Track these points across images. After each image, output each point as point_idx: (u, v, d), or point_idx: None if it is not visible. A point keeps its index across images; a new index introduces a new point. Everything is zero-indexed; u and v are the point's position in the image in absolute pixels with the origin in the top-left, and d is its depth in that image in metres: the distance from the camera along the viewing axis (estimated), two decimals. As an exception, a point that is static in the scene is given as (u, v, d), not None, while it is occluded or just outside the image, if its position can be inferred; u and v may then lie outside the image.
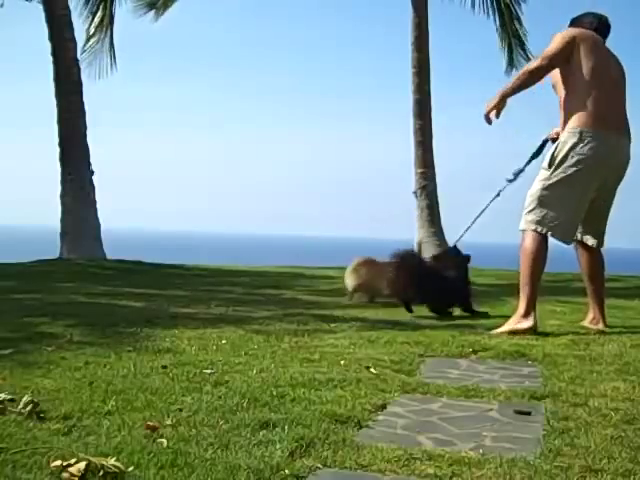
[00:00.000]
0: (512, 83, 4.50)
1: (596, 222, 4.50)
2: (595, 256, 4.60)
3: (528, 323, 4.29)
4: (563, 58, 4.33)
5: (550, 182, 4.30)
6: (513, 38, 12.61)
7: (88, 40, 11.93)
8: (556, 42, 4.35)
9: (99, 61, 12.02)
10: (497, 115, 4.51)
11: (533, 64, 4.45)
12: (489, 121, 4.54)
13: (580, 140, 4.24)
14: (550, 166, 4.31)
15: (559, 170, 4.28)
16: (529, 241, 4.37)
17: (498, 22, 12.58)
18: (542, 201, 4.32)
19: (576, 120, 4.27)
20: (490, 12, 12.55)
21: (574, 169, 4.24)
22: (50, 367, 2.97)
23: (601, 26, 4.59)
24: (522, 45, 12.66)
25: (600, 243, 4.56)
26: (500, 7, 12.51)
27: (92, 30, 11.90)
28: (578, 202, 4.32)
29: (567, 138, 4.28)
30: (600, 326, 4.49)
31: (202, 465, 1.86)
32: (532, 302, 4.39)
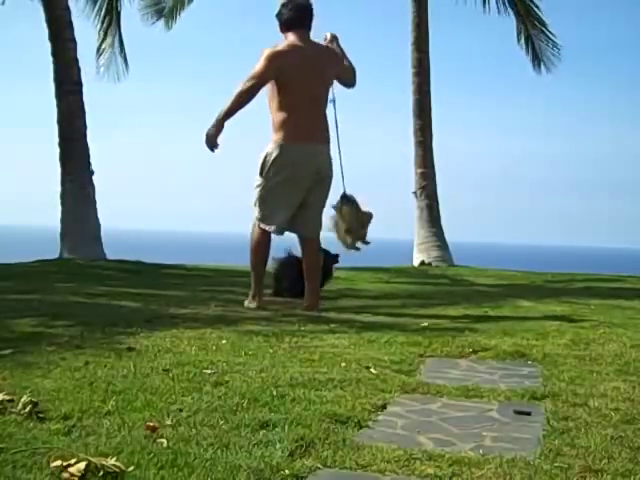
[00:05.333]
0: (227, 107, 4.89)
1: (307, 217, 4.98)
2: (310, 245, 5.08)
3: (254, 304, 5.00)
4: (271, 76, 4.83)
5: (262, 186, 4.94)
6: (533, 30, 12.36)
7: (101, 44, 11.96)
8: (263, 61, 4.82)
9: (114, 64, 12.06)
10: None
11: (246, 85, 4.85)
12: (214, 148, 4.97)
13: (280, 153, 4.84)
14: (260, 174, 4.93)
15: (267, 178, 4.91)
16: (253, 232, 5.05)
17: (514, 16, 12.31)
18: (259, 200, 4.96)
19: (278, 134, 4.86)
20: (503, 8, 12.27)
21: (277, 178, 4.87)
22: (50, 367, 2.97)
23: (296, 15, 4.96)
24: (544, 34, 12.34)
25: (312, 233, 5.04)
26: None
27: (102, 34, 11.92)
28: (283, 202, 4.91)
29: (271, 150, 4.88)
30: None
31: (202, 465, 1.86)
32: (257, 285, 5.06)
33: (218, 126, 4.89)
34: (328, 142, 5.01)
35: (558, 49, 12.32)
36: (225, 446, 2.02)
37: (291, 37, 4.97)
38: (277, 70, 4.83)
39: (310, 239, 5.10)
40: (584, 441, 2.14)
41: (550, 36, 12.30)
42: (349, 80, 5.14)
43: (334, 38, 5.13)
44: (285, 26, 5.00)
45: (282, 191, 4.90)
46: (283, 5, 5.06)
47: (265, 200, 4.96)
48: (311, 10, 5.06)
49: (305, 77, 4.85)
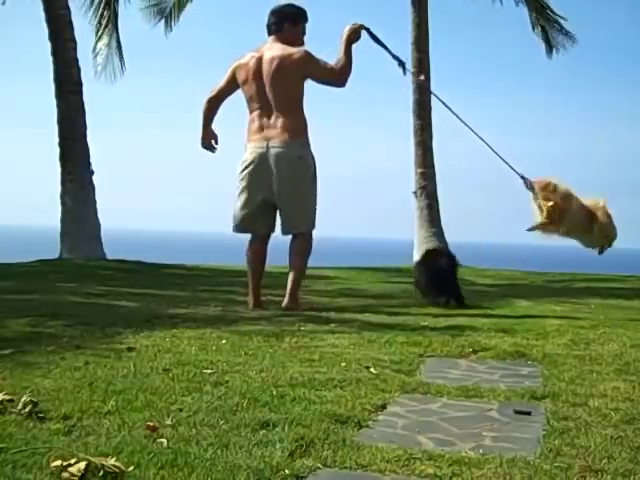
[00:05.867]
0: (202, 116, 5.30)
1: (283, 215, 5.13)
2: (292, 243, 5.21)
3: (250, 305, 5.15)
4: (231, 89, 5.22)
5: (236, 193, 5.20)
6: (546, 21, 12.52)
7: (97, 42, 11.95)
8: (225, 75, 5.22)
9: (111, 63, 12.05)
10: (216, 141, 5.33)
11: (207, 97, 5.29)
12: (211, 150, 5.35)
13: (242, 158, 5.13)
14: None
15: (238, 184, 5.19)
16: None
17: (527, 7, 12.48)
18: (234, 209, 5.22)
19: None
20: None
21: (239, 182, 5.16)
22: (50, 367, 2.97)
23: (267, 22, 5.20)
24: (557, 22, 12.52)
25: (292, 229, 5.15)
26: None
27: (100, 32, 11.92)
28: (245, 203, 5.14)
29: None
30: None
31: (202, 465, 1.86)
32: (252, 288, 5.21)
33: (202, 132, 5.31)
34: (289, 141, 4.99)
35: (568, 34, 12.48)
36: (225, 446, 2.02)
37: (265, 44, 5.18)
38: (234, 81, 5.16)
39: (295, 236, 5.16)
40: (584, 441, 2.14)
41: (559, 20, 12.44)
42: (329, 80, 5.10)
43: (350, 29, 5.08)
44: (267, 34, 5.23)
45: (243, 193, 5.12)
46: None
47: (235, 207, 5.18)
48: (282, 14, 5.15)
49: (258, 82, 5.03)
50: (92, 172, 10.94)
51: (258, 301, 5.17)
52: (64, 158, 10.81)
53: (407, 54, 12.04)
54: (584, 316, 4.93)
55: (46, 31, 10.81)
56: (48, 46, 10.84)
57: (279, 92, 5.00)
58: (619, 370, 3.15)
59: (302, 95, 5.11)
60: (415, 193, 12.14)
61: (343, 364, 3.16)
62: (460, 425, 2.34)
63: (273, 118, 5.01)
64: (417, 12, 11.91)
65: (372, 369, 3.08)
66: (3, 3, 11.54)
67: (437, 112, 12.38)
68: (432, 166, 12.15)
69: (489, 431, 2.29)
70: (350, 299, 6.05)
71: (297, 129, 5.05)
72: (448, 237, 12.23)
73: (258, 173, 5.04)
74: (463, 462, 1.96)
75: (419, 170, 12.07)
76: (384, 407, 2.52)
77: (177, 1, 12.26)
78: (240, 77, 5.13)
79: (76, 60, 10.93)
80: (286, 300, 5.05)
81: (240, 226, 5.19)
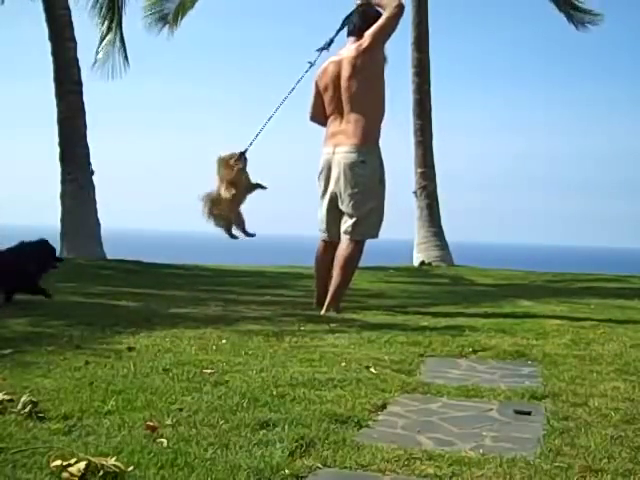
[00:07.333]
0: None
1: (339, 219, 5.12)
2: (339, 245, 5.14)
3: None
4: (316, 99, 5.20)
5: None
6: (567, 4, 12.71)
7: (102, 41, 11.96)
8: (311, 90, 5.23)
9: (111, 61, 12.06)
10: None
11: (308, 118, 5.34)
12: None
13: None
14: None
15: None
16: None
17: None
18: None
19: None
20: None
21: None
22: (50, 367, 2.97)
23: (352, 22, 5.14)
24: (572, 4, 12.72)
25: (345, 232, 5.05)
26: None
27: (104, 31, 11.93)
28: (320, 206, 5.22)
29: None
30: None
31: (202, 465, 1.86)
32: (316, 287, 5.25)
33: None
34: (353, 146, 4.96)
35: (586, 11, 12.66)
36: (225, 446, 2.02)
37: None
38: (319, 92, 5.19)
39: (344, 239, 5.08)
40: (584, 441, 2.14)
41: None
42: (394, 22, 4.99)
43: None
44: None
45: (320, 197, 5.18)
46: None
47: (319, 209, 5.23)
48: (368, 17, 5.05)
49: (335, 86, 5.04)
50: (92, 172, 10.93)
51: (318, 298, 5.16)
52: (64, 158, 10.81)
53: (407, 54, 12.08)
54: (584, 316, 4.93)
55: (46, 31, 10.82)
56: (48, 46, 10.84)
57: (351, 95, 4.97)
58: (619, 370, 3.16)
59: (375, 97, 5.04)
60: (415, 193, 12.15)
61: (343, 364, 3.16)
62: (460, 425, 2.34)
63: (344, 123, 5.01)
64: (417, 12, 11.92)
65: (372, 369, 3.08)
66: (2, 2, 11.54)
67: (437, 112, 12.40)
68: (432, 166, 12.16)
69: (489, 431, 2.29)
70: (350, 299, 6.05)
71: (364, 134, 4.97)
72: (448, 237, 12.24)
73: (326, 179, 5.10)
74: (463, 462, 1.96)
75: (419, 170, 12.08)
76: (384, 407, 2.52)
77: (179, 8, 12.25)
78: (321, 84, 5.14)
79: (76, 60, 10.93)
80: (324, 308, 4.98)
81: (320, 228, 5.23)
